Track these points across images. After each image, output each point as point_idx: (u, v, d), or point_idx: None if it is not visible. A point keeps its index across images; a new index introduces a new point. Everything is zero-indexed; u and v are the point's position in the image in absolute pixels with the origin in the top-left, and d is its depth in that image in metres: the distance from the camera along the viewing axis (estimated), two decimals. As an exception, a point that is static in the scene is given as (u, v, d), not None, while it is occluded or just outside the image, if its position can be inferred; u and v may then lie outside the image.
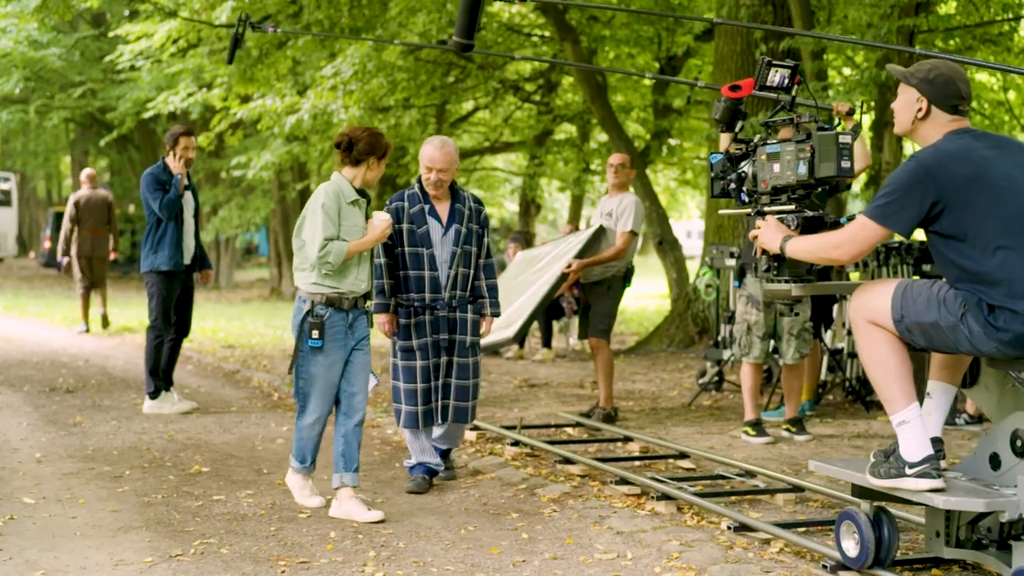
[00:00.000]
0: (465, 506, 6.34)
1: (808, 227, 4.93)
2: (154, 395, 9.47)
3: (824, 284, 5.38)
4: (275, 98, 16.39)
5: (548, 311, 14.27)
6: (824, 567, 4.97)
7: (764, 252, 5.00)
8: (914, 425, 4.50)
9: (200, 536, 5.64)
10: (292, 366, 6.20)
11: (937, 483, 4.42)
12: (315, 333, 6.10)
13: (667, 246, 16.41)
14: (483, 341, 7.10)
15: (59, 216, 36.79)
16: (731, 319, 10.86)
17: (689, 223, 50.43)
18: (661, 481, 6.54)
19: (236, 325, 18.59)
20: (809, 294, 5.10)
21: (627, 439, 8.20)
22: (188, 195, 9.60)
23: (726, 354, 10.67)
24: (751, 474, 6.87)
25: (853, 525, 4.77)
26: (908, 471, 4.47)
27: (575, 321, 14.89)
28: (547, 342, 14.45)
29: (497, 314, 6.99)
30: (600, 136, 21.65)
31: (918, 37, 11.62)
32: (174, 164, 9.45)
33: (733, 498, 6.41)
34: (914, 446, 4.48)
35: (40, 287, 30.90)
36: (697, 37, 17.89)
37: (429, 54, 17.28)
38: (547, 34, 18.76)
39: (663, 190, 26.30)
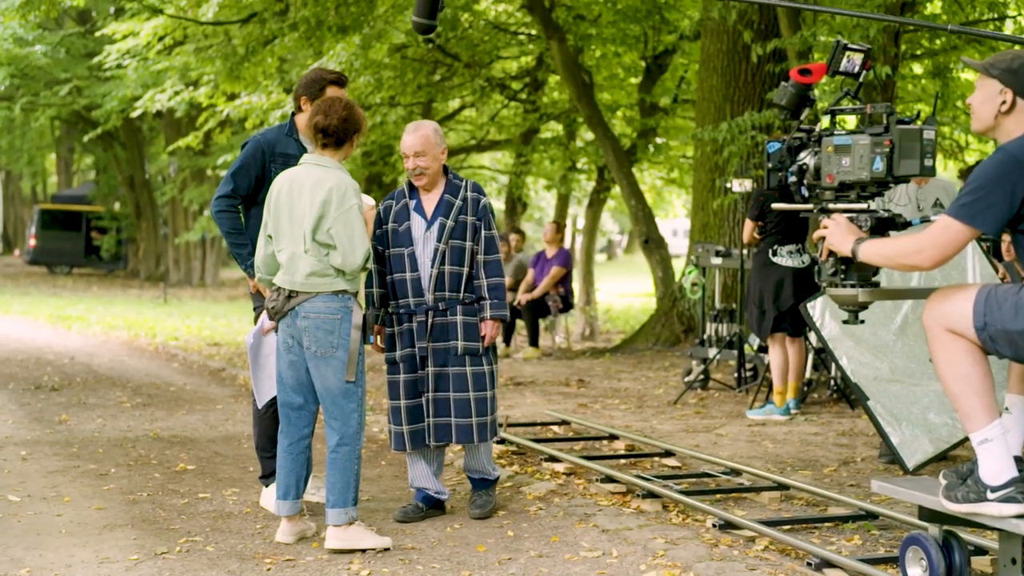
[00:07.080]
0: (451, 504, 6.34)
1: (878, 228, 4.49)
2: (267, 480, 6.33)
3: (892, 290, 4.95)
4: (261, 95, 16.36)
5: (534, 310, 14.29)
6: (808, 565, 4.96)
7: (831, 254, 4.52)
8: (997, 444, 4.09)
9: (186, 534, 5.63)
10: (354, 374, 5.43)
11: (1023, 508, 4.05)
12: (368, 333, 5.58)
13: (653, 244, 16.43)
14: None
15: (44, 213, 36.77)
16: (716, 317, 10.90)
17: (675, 222, 50.49)
18: (647, 479, 6.56)
19: (222, 323, 18.57)
20: (877, 300, 4.62)
21: (613, 437, 8.21)
22: None
23: (711, 352, 10.70)
24: (736, 472, 6.89)
25: (921, 551, 4.36)
26: (990, 495, 4.07)
27: (561, 320, 14.94)
28: (533, 340, 14.46)
29: (500, 317, 6.00)
30: (586, 135, 21.64)
31: (903, 37, 11.64)
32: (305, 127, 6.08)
33: (718, 496, 6.41)
34: (997, 467, 4.08)
35: (25, 284, 30.82)
36: (683, 36, 17.90)
37: (415, 52, 17.26)
38: (533, 32, 18.75)
39: (649, 189, 26.27)
